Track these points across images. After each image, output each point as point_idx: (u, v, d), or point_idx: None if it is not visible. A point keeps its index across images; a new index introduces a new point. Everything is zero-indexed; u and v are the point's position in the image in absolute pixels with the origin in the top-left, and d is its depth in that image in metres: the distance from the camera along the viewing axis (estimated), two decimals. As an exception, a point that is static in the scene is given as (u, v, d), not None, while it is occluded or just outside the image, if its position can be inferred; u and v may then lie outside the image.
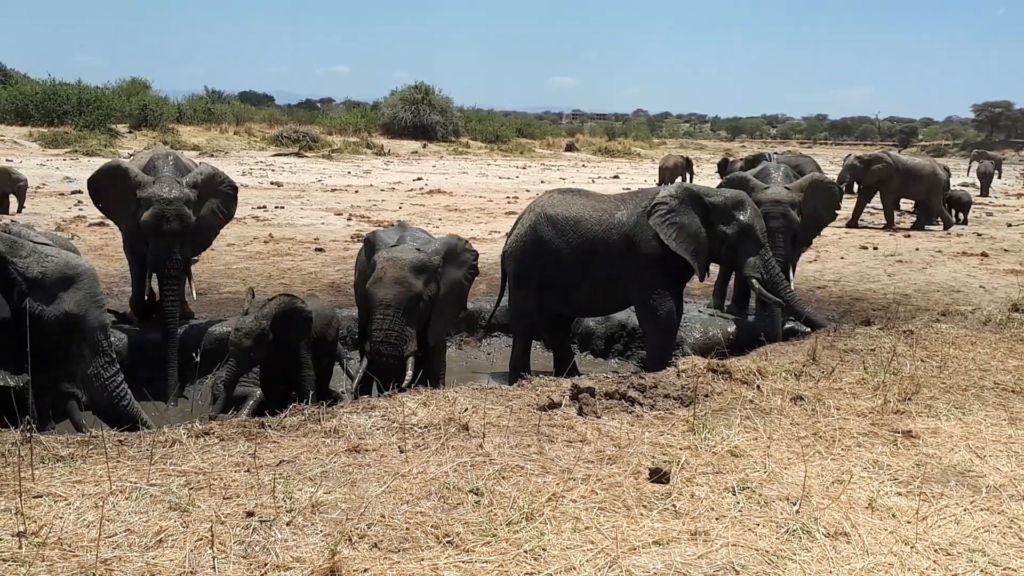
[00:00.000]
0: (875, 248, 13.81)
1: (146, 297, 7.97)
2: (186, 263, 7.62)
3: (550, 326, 7.96)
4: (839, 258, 12.82)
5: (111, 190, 7.52)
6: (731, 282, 9.52)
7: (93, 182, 7.68)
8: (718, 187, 8.41)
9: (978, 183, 27.33)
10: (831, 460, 4.14)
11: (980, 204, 21.50)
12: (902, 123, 78.63)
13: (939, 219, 17.10)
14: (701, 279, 7.49)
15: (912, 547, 3.24)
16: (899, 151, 45.42)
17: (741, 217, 7.19)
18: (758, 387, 5.30)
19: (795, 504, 3.56)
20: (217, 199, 7.81)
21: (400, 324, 5.96)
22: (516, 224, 7.71)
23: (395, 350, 5.95)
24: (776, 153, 19.62)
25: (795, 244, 8.66)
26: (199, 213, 7.49)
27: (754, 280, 7.31)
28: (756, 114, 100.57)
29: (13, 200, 14.49)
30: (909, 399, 5.11)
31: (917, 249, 13.81)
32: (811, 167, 17.77)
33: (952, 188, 18.39)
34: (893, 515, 3.52)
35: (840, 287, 10.58)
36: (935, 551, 3.23)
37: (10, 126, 31.75)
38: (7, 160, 21.56)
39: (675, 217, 7.05)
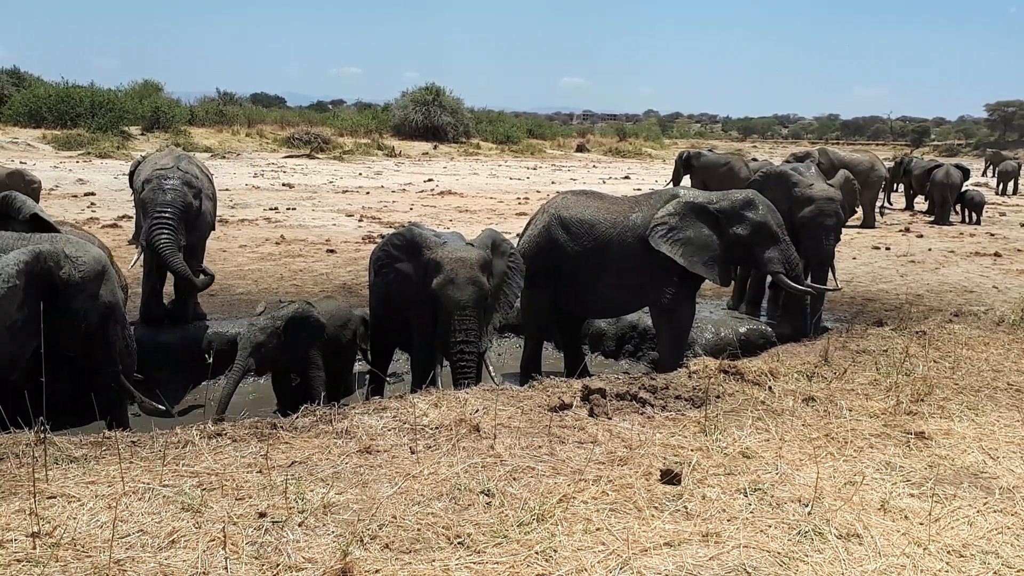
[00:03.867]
0: (887, 248, 13.76)
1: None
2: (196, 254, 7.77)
3: (561, 327, 7.96)
4: (851, 258, 12.77)
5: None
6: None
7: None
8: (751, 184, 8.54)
9: (991, 183, 27.22)
10: (843, 461, 4.13)
11: (994, 204, 21.40)
12: (915, 123, 78.18)
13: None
14: (726, 284, 7.48)
15: (925, 549, 3.22)
16: (911, 151, 45.21)
17: (752, 216, 7.15)
18: (770, 388, 5.28)
19: (807, 505, 3.55)
20: (210, 202, 7.91)
21: (477, 323, 6.07)
22: (528, 226, 7.70)
23: (476, 348, 6.06)
24: (708, 151, 20.06)
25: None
26: (198, 208, 7.63)
27: (780, 275, 7.27)
28: (768, 114, 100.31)
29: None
30: (922, 400, 5.09)
31: (930, 249, 13.75)
32: (739, 164, 18.20)
33: (965, 188, 18.31)
34: (906, 517, 3.51)
35: (852, 287, 10.54)
36: (948, 553, 3.22)
37: (24, 128, 31.93)
38: (21, 162, 21.68)
39: (677, 234, 7.02)
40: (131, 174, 12.26)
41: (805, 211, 8.41)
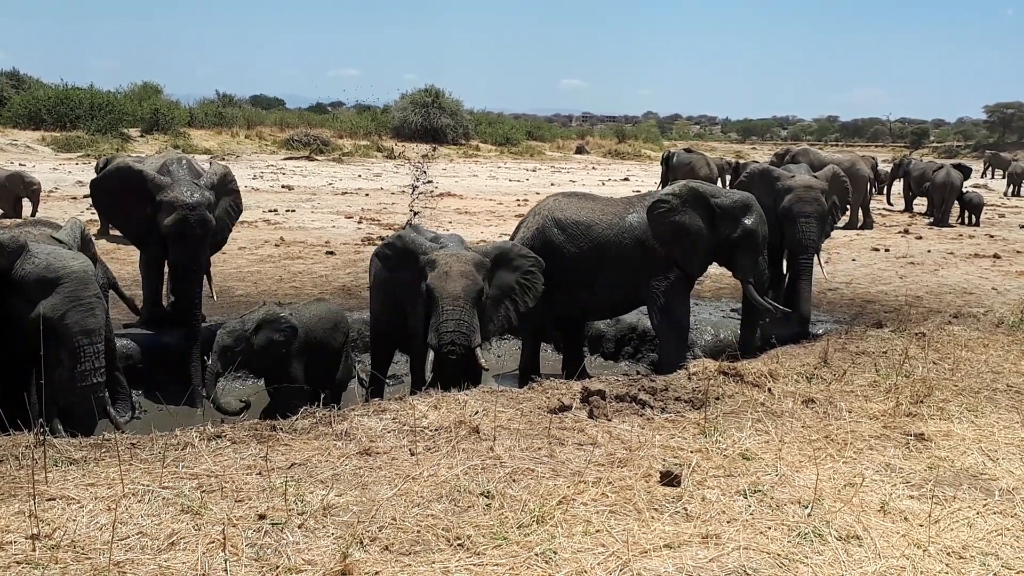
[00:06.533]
0: (887, 250, 13.76)
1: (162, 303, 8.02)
2: (206, 264, 7.65)
3: (562, 328, 7.96)
4: (850, 260, 12.78)
5: (122, 193, 7.46)
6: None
7: (100, 185, 7.66)
8: (738, 182, 8.59)
9: (991, 184, 27.23)
10: (843, 463, 4.13)
11: (993, 206, 21.41)
12: (914, 124, 78.21)
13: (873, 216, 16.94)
14: (697, 275, 7.54)
15: (924, 550, 3.23)
16: (910, 152, 45.25)
17: (747, 222, 7.24)
18: (769, 390, 5.29)
19: (807, 507, 3.55)
20: (229, 197, 7.87)
21: (470, 316, 6.03)
22: (520, 228, 7.70)
23: (466, 340, 5.99)
24: (686, 150, 20.89)
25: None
26: (216, 214, 7.51)
27: (749, 285, 7.36)
28: (767, 116, 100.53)
29: (27, 204, 14.59)
30: (921, 402, 5.09)
31: (929, 251, 13.75)
32: (701, 164, 18.79)
33: (965, 189, 18.31)
34: (905, 518, 3.51)
35: (852, 289, 10.55)
36: (948, 554, 3.22)
37: (23, 131, 31.91)
38: (20, 164, 21.67)
39: (674, 215, 7.11)
40: (97, 171, 12.30)
41: (784, 200, 8.48)
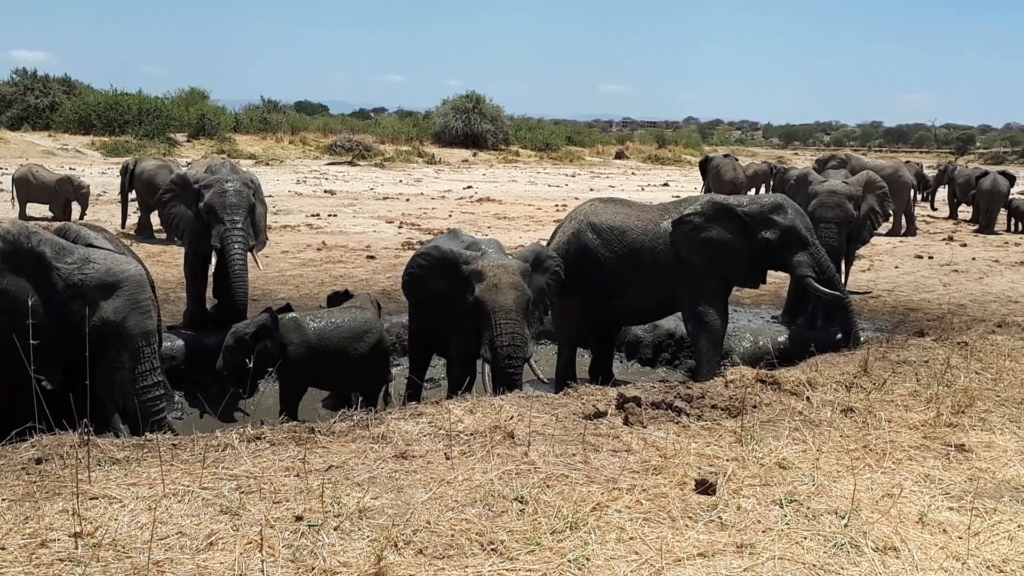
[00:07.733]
0: (930, 257, 13.56)
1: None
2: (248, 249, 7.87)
3: (596, 333, 7.95)
4: (893, 267, 12.61)
5: (176, 198, 7.94)
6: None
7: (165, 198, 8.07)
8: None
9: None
10: (881, 473, 4.08)
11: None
12: (959, 130, 76.99)
13: (906, 222, 16.51)
14: (752, 286, 7.50)
15: (964, 563, 3.18)
16: (956, 159, 44.53)
17: (781, 220, 7.15)
18: (807, 398, 5.23)
19: (844, 518, 3.51)
20: (263, 208, 8.13)
21: (522, 327, 6.08)
22: (556, 233, 7.72)
23: (523, 352, 6.05)
24: (725, 156, 21.55)
25: (851, 239, 8.95)
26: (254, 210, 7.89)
27: (809, 279, 7.25)
28: (809, 121, 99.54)
29: (76, 207, 14.91)
30: (963, 412, 5.01)
31: (974, 259, 13.52)
32: (728, 168, 19.29)
33: (1012, 196, 17.99)
34: (944, 530, 3.46)
35: (894, 297, 10.41)
36: (987, 568, 3.17)
37: (73, 135, 32.63)
38: (70, 168, 22.14)
39: (699, 233, 7.07)
40: (124, 171, 13.63)
41: (810, 205, 8.60)
